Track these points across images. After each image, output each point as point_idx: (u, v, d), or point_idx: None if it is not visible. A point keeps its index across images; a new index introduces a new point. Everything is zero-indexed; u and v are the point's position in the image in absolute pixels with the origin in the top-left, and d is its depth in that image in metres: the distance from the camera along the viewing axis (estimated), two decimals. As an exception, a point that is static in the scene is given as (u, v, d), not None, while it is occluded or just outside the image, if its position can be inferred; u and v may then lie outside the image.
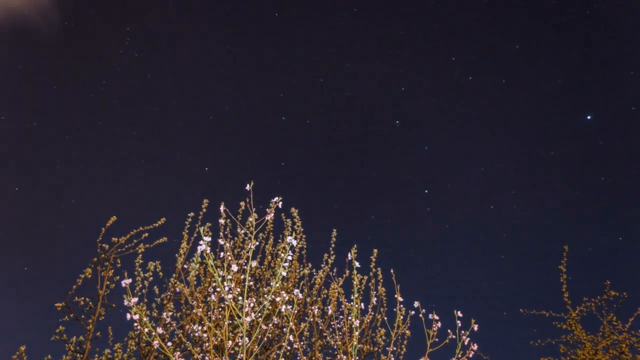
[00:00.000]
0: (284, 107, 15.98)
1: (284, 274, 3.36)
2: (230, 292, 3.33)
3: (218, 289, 3.60)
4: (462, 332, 3.41)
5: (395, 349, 4.18)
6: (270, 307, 4.35)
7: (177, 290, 4.90)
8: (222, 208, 3.53)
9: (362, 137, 16.56)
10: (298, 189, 16.08)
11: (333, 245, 5.42)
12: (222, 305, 3.76)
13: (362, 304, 3.82)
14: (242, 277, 3.54)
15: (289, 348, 4.83)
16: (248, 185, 3.26)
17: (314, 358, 4.84)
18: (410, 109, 15.88)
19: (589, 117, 14.26)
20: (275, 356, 4.76)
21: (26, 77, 14.71)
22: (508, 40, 15.17)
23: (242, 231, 4.78)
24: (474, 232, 15.14)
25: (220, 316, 3.86)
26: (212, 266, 3.26)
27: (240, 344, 3.35)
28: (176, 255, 5.12)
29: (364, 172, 16.50)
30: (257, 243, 3.37)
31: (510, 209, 14.84)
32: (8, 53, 14.39)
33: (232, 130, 16.04)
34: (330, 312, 4.84)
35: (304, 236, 5.49)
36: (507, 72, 15.36)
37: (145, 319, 3.37)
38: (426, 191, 15.28)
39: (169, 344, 4.59)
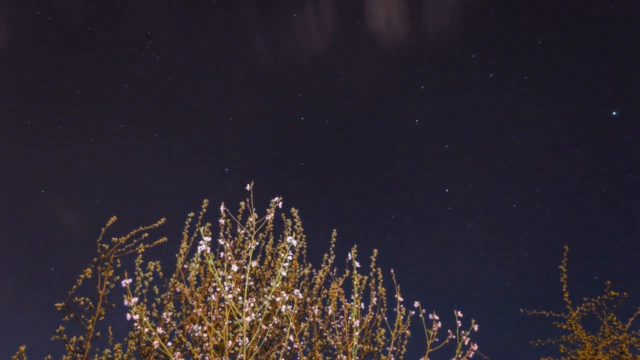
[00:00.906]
0: (303, 107, 15.86)
1: (284, 274, 3.36)
2: (230, 292, 3.33)
3: (218, 289, 3.60)
4: (462, 332, 3.41)
5: (395, 349, 4.19)
6: (270, 307, 4.35)
7: (177, 290, 4.90)
8: (222, 208, 3.52)
9: (382, 136, 16.30)
10: (317, 189, 15.93)
11: (333, 245, 5.42)
12: (222, 305, 3.76)
13: (362, 304, 3.82)
14: (242, 277, 3.54)
15: (289, 348, 4.83)
16: (248, 186, 3.25)
17: (314, 358, 4.84)
18: (430, 107, 15.53)
19: (614, 113, 13.99)
20: (275, 356, 4.76)
21: (51, 81, 14.82)
22: (531, 34, 14.76)
23: (242, 231, 4.78)
24: (496, 231, 14.91)
25: (220, 316, 3.85)
26: (212, 266, 3.26)
27: (240, 344, 3.35)
28: (176, 255, 5.11)
29: (383, 172, 16.21)
30: (257, 243, 3.36)
31: (533, 207, 14.60)
32: (31, 57, 14.51)
33: (251, 131, 15.94)
34: (330, 312, 4.84)
35: (304, 236, 5.49)
36: (529, 68, 14.94)
37: (145, 319, 3.37)
38: (447, 190, 14.95)
39: (169, 344, 4.58)
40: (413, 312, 3.63)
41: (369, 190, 16.09)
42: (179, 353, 3.71)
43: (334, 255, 5.39)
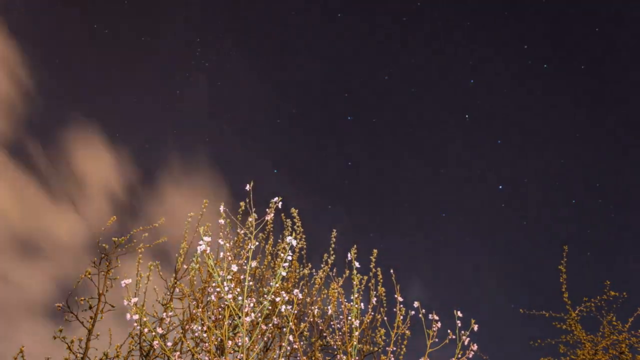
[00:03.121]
0: (350, 106, 15.64)
1: (284, 274, 3.36)
2: (230, 292, 3.33)
3: (218, 289, 3.60)
4: (462, 332, 3.41)
5: (395, 349, 4.18)
6: (270, 307, 4.35)
7: (177, 290, 4.90)
8: (221, 208, 3.52)
9: (432, 132, 15.77)
10: (367, 189, 15.59)
11: (333, 245, 5.42)
12: (222, 305, 3.77)
13: (362, 304, 3.82)
14: (242, 277, 3.54)
15: (289, 348, 4.83)
16: (248, 186, 3.26)
17: (314, 358, 4.84)
18: (481, 102, 14.78)
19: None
20: (275, 356, 4.76)
21: (109, 87, 14.95)
22: (587, 22, 14.00)
23: (242, 231, 4.78)
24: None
25: (220, 316, 3.86)
26: (212, 266, 3.26)
27: (240, 343, 3.35)
28: (176, 255, 5.12)
29: (434, 168, 15.70)
30: (257, 243, 3.37)
31: (595, 203, 14.27)
32: (96, 66, 14.67)
33: (301, 132, 15.81)
34: (330, 312, 4.84)
35: (303, 236, 5.49)
36: (586, 58, 13.94)
37: (145, 319, 3.37)
38: (500, 187, 14.21)
39: (169, 343, 4.59)
40: (413, 312, 3.63)
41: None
42: (178, 353, 3.71)
43: (333, 255, 5.40)
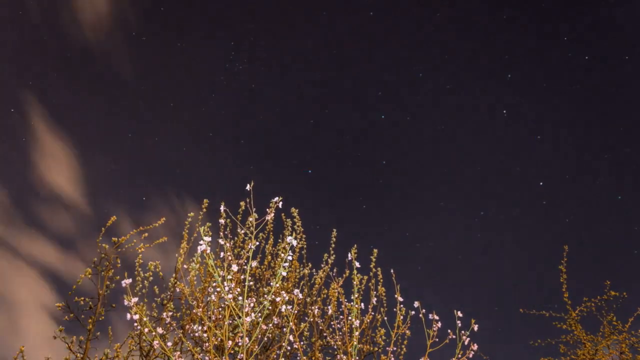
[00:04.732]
0: (382, 105, 15.36)
1: (284, 274, 3.36)
2: (230, 292, 3.33)
3: (218, 289, 3.60)
4: (462, 332, 3.41)
5: (395, 349, 4.18)
6: (270, 307, 4.35)
7: (177, 290, 4.90)
8: (222, 208, 3.52)
9: (467, 129, 15.36)
10: (400, 188, 15.27)
11: (333, 245, 5.42)
12: (222, 305, 3.77)
13: (362, 304, 3.82)
14: (242, 277, 3.54)
15: (289, 348, 4.83)
16: (248, 186, 3.25)
17: (314, 358, 4.84)
18: (517, 96, 14.25)
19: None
20: (275, 356, 4.76)
21: (144, 94, 15.03)
22: (630, 12, 13.21)
23: (242, 231, 4.78)
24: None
25: (220, 316, 3.86)
26: (212, 266, 3.26)
27: (240, 344, 3.35)
28: (176, 255, 5.12)
29: (471, 166, 15.29)
30: (257, 243, 3.36)
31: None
32: (131, 75, 14.76)
33: (333, 131, 15.68)
34: (330, 312, 4.84)
35: (303, 236, 5.49)
36: (631, 47, 13.21)
37: (145, 319, 3.37)
38: (541, 183, 13.82)
39: (169, 343, 4.58)
40: (413, 312, 3.63)
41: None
42: (178, 353, 3.71)
43: (334, 255, 5.40)
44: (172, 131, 15.13)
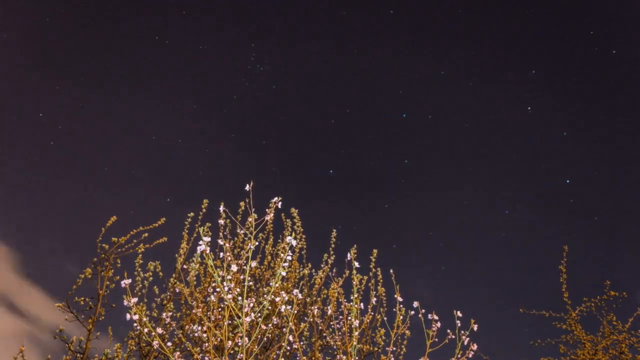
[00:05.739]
0: (405, 104, 15.25)
1: (284, 274, 3.36)
2: (230, 292, 3.33)
3: (218, 289, 3.60)
4: (462, 332, 3.41)
5: (395, 349, 4.18)
6: (270, 307, 4.35)
7: (177, 290, 4.91)
8: (221, 208, 3.52)
9: (493, 126, 15.22)
10: (420, 187, 15.29)
11: (333, 246, 5.42)
12: (222, 305, 3.77)
13: (362, 304, 3.82)
14: (242, 277, 3.54)
15: (289, 348, 4.83)
16: (248, 186, 3.25)
17: (314, 358, 4.84)
18: (543, 93, 13.99)
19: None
20: (275, 356, 4.77)
21: (165, 98, 15.18)
22: None
23: (242, 231, 4.78)
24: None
25: (220, 316, 3.86)
26: (211, 266, 3.26)
27: (240, 344, 3.35)
28: (176, 255, 5.12)
29: (498, 163, 15.17)
30: (257, 243, 3.36)
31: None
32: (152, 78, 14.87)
33: (356, 131, 15.63)
34: (329, 312, 4.84)
35: (303, 236, 5.49)
36: None
37: (145, 319, 3.37)
38: (568, 181, 13.55)
39: (169, 344, 4.59)
40: (413, 312, 3.64)
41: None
42: (178, 353, 3.71)
43: (333, 255, 5.40)
44: (192, 133, 15.20)
